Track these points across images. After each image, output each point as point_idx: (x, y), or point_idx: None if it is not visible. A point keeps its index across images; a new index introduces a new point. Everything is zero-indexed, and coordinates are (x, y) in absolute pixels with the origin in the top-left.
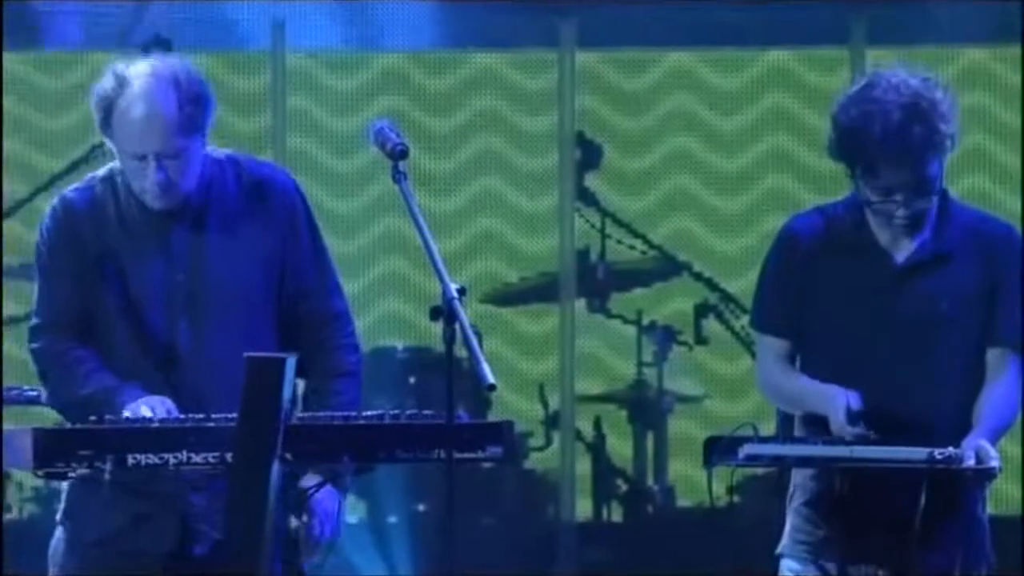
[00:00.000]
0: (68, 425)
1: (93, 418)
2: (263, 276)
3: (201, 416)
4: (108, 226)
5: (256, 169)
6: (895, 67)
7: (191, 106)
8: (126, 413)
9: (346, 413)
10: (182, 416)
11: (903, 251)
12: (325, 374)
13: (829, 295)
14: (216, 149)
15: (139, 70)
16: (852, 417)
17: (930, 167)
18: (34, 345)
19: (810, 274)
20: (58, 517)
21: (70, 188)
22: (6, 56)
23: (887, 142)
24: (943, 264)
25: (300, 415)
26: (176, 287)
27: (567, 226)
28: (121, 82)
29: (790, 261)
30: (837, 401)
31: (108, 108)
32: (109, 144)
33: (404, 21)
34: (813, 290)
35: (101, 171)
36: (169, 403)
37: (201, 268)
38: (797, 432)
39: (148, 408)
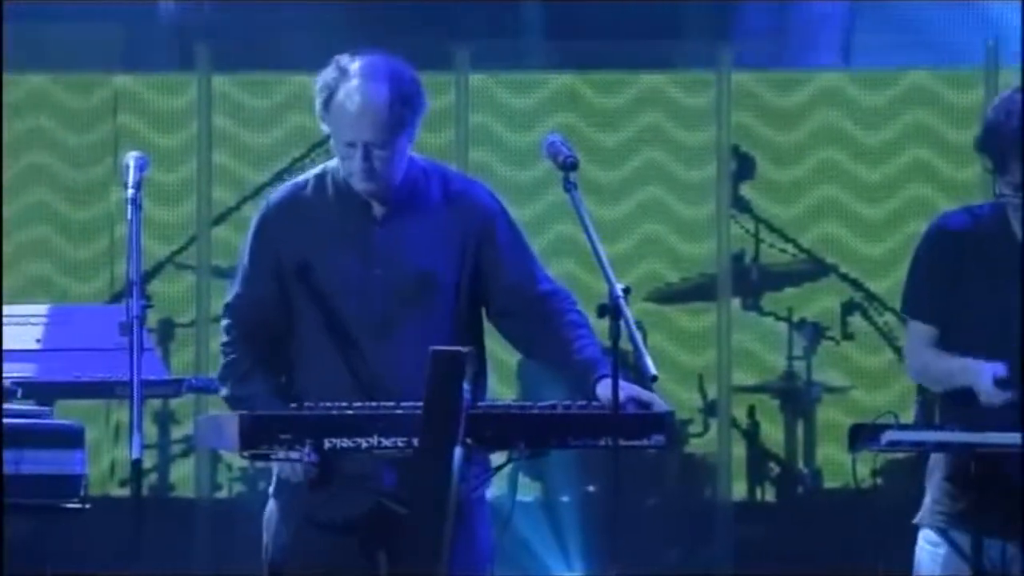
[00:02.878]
0: (272, 412)
1: (293, 405)
2: (459, 275)
3: (391, 404)
4: (314, 219)
5: (462, 181)
6: None
7: (401, 105)
8: None
9: (521, 403)
10: (374, 404)
11: None
12: (565, 335)
13: (972, 285)
14: (423, 157)
15: (359, 65)
16: (1000, 383)
17: None
18: (222, 339)
19: (956, 265)
20: (271, 490)
21: (283, 186)
22: (219, 78)
23: (1020, 138)
24: None
25: (480, 404)
26: (372, 279)
27: (723, 231)
28: (342, 73)
29: (938, 253)
30: (984, 371)
31: (328, 96)
32: (325, 128)
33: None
34: (958, 280)
35: (316, 168)
36: None
37: (398, 263)
38: (937, 420)
39: None
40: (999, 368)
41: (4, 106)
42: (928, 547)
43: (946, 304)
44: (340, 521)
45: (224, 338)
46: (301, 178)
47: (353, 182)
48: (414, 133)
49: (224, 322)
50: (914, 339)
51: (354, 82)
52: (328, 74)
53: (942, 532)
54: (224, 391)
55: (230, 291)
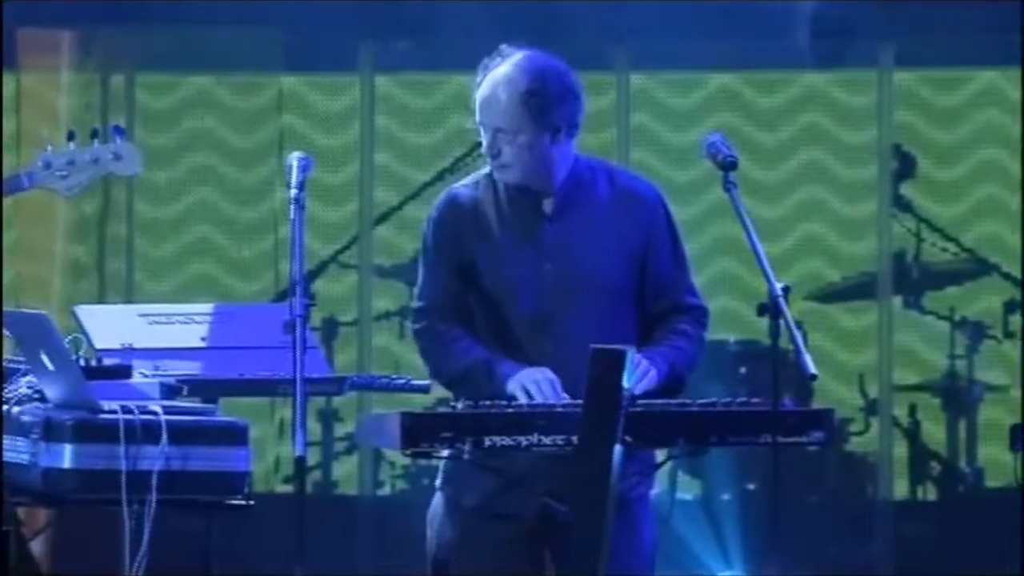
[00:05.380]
0: (433, 410)
1: (457, 404)
2: (625, 271)
3: (551, 402)
4: (486, 216)
5: (628, 178)
6: None
7: (537, 99)
8: (511, 385)
9: (681, 400)
10: (534, 402)
11: None
12: (659, 336)
13: None
14: (591, 156)
15: (500, 59)
16: None
17: None
18: (416, 326)
19: None
20: (437, 484)
21: (459, 183)
22: (381, 79)
23: None
24: None
25: (640, 402)
26: (544, 274)
27: (885, 230)
28: (484, 67)
29: None
30: None
31: (476, 88)
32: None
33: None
34: None
35: (485, 169)
36: (550, 372)
37: (568, 257)
38: None
39: (532, 380)
40: None
41: (169, 107)
42: None
43: None
44: (507, 517)
45: (422, 342)
46: (469, 178)
47: (494, 169)
48: (569, 129)
49: (416, 326)
50: None
51: (490, 72)
52: (478, 73)
53: None
54: (447, 372)
55: (417, 297)
